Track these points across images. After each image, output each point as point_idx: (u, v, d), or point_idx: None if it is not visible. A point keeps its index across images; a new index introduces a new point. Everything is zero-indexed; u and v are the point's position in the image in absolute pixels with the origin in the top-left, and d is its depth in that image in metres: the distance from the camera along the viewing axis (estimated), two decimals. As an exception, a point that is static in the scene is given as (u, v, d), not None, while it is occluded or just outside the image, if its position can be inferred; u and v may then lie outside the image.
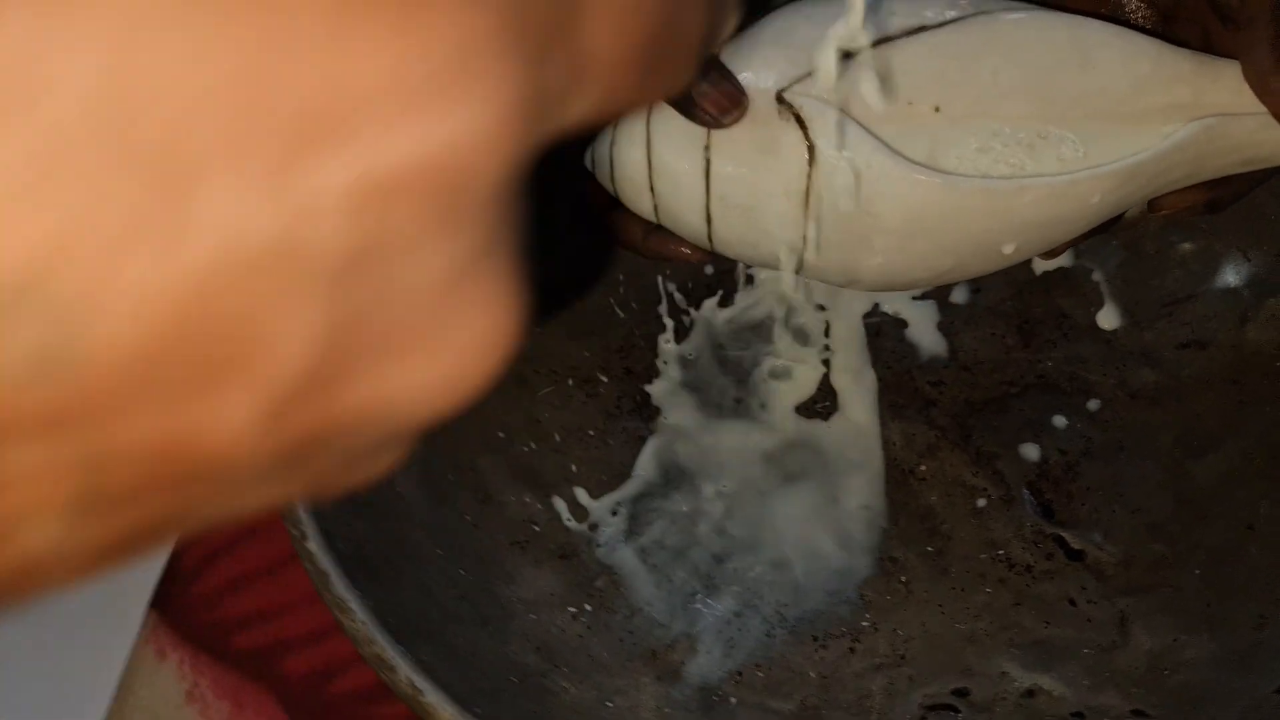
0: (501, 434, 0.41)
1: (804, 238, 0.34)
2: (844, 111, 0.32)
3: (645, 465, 0.41)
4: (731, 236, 0.35)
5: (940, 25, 0.33)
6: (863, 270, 0.34)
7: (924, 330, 0.43)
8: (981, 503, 0.39)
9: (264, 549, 0.42)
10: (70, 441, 0.10)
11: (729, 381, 0.43)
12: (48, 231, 0.09)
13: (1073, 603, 0.37)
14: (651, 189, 0.35)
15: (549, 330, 0.43)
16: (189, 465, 0.11)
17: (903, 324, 0.43)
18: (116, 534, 0.11)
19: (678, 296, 0.45)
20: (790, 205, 0.33)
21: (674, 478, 0.41)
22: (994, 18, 0.33)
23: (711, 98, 0.32)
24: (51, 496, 0.11)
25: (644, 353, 0.44)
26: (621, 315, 0.44)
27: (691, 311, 0.44)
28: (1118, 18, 0.37)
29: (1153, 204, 0.35)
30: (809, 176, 0.32)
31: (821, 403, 0.42)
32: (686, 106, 0.33)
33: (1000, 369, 0.42)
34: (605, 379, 0.43)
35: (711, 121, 0.32)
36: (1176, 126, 0.32)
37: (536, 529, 0.39)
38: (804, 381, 0.42)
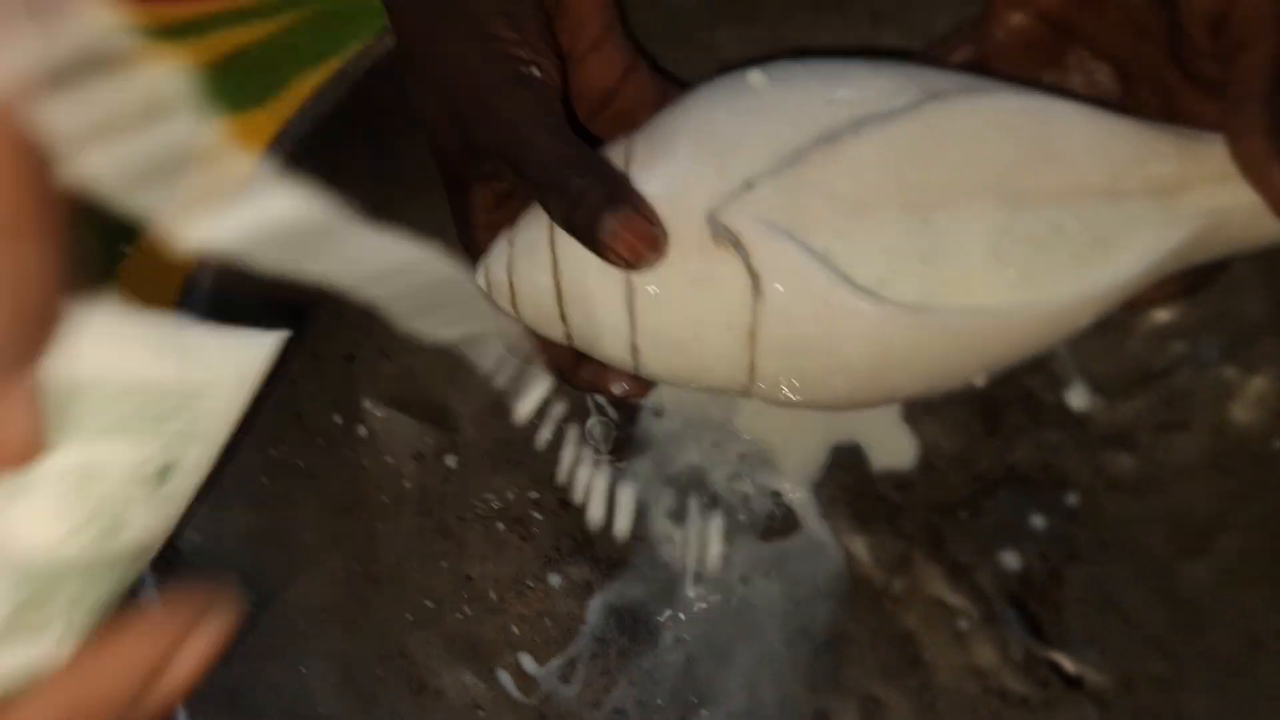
0: (430, 603, 0.36)
1: (750, 373, 0.29)
2: (791, 233, 0.28)
3: (595, 617, 0.37)
4: (663, 371, 0.30)
5: (888, 116, 0.28)
6: (818, 402, 0.30)
7: (886, 426, 0.39)
8: (963, 624, 0.36)
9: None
10: None
11: (683, 501, 0.39)
12: None
13: (1074, 739, 0.34)
14: (563, 318, 0.30)
15: (469, 465, 0.39)
16: None
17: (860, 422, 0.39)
18: None
19: (610, 410, 0.40)
20: (733, 340, 0.28)
21: (628, 626, 0.37)
22: (945, 105, 0.29)
23: (622, 240, 0.27)
24: None
25: (577, 480, 0.39)
26: (549, 438, 0.40)
27: (627, 425, 0.40)
28: (1065, 86, 0.33)
29: (1129, 302, 0.31)
30: (754, 310, 0.28)
31: (778, 519, 0.38)
32: (594, 246, 0.28)
33: (968, 463, 0.39)
34: (539, 516, 0.38)
35: (625, 265, 0.28)
36: (1166, 229, 0.28)
37: (482, 714, 0.35)
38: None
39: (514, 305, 0.31)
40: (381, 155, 0.37)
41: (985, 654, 0.36)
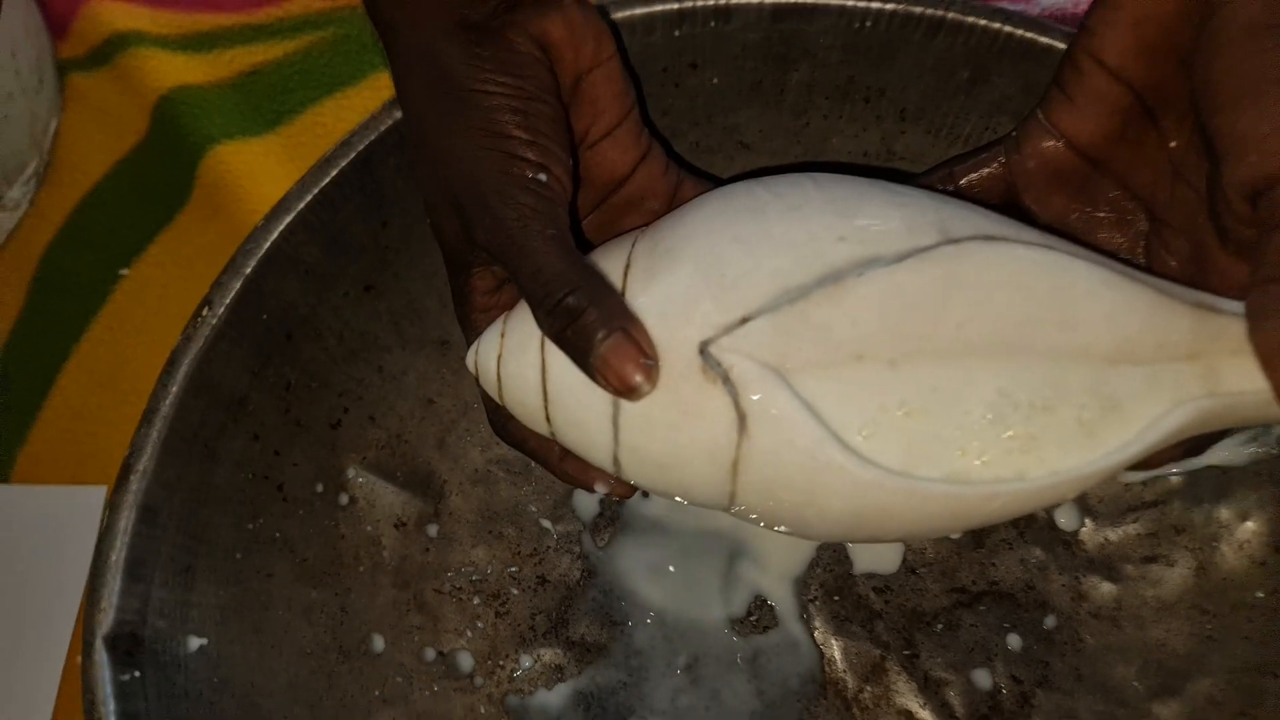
0: (400, 679, 0.36)
1: (730, 500, 0.29)
2: (782, 375, 0.27)
3: (564, 703, 0.37)
4: (644, 483, 0.30)
5: (898, 260, 0.28)
6: (797, 534, 0.30)
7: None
8: (930, 741, 0.36)
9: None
10: None
11: (664, 587, 0.39)
12: None
13: None
14: (548, 418, 0.30)
15: (450, 535, 0.38)
16: None
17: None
18: None
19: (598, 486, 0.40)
20: (714, 470, 0.28)
21: (595, 714, 0.37)
22: (961, 253, 0.28)
23: (613, 367, 0.27)
24: None
25: (558, 556, 0.39)
26: (533, 510, 0.39)
27: (614, 504, 0.39)
28: (1091, 221, 0.32)
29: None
30: (738, 446, 0.27)
31: (757, 614, 0.38)
32: (585, 368, 0.27)
33: (950, 573, 0.38)
34: (516, 592, 0.38)
35: (616, 392, 0.27)
36: (1174, 405, 0.28)
37: (442, 797, 0.35)
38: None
39: (500, 395, 0.31)
40: (382, 225, 0.36)
41: (948, 774, 0.36)
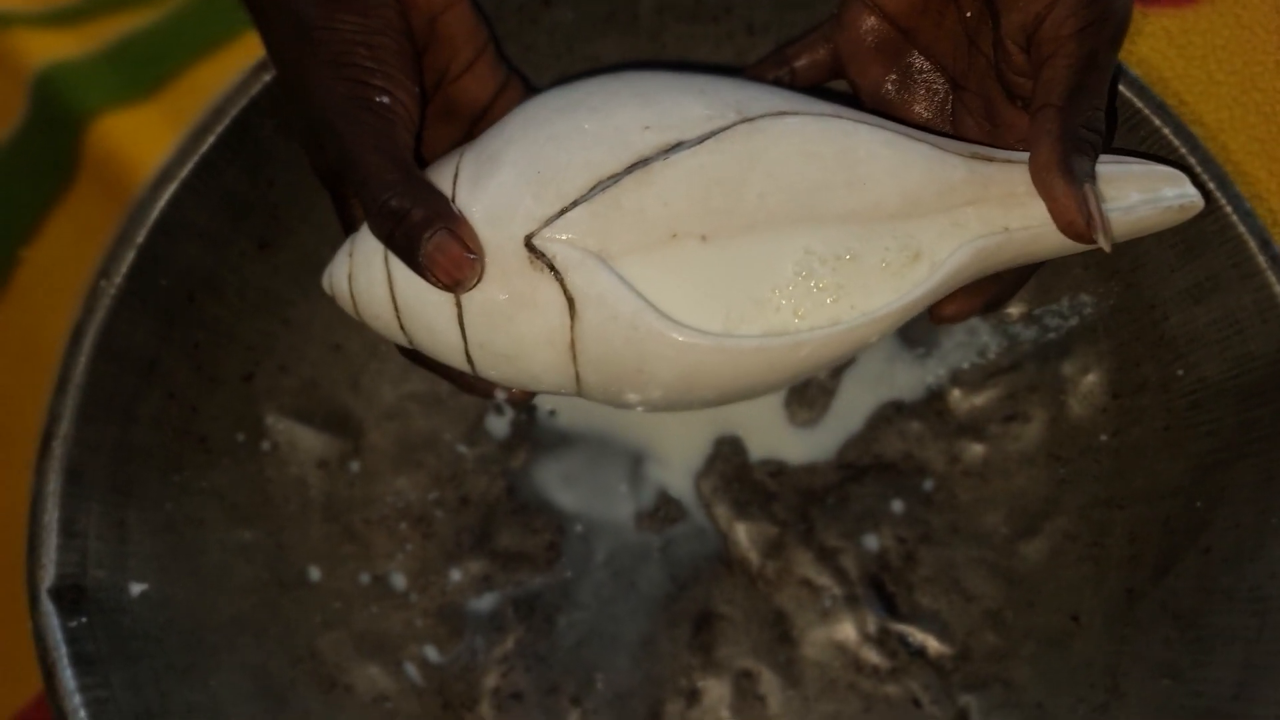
0: (339, 604, 0.39)
1: (577, 383, 0.32)
2: (603, 258, 0.30)
3: (494, 608, 0.40)
4: (500, 378, 0.33)
5: (699, 141, 0.30)
6: (637, 405, 0.33)
7: (765, 418, 0.42)
8: (828, 603, 0.40)
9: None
10: None
11: (577, 494, 0.42)
12: None
13: (917, 703, 0.39)
14: (402, 328, 0.32)
15: (372, 469, 0.41)
16: None
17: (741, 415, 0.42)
18: None
19: (507, 409, 0.42)
20: (555, 354, 0.31)
21: (525, 615, 0.40)
22: (755, 129, 0.30)
23: (438, 262, 0.29)
24: None
25: (476, 478, 0.42)
26: (447, 437, 0.42)
27: (526, 423, 0.42)
28: (905, 91, 0.35)
29: (933, 314, 0.34)
30: (571, 329, 0.30)
31: (665, 508, 0.42)
32: (414, 267, 0.30)
33: (838, 452, 0.42)
34: (440, 514, 0.41)
35: (445, 287, 0.30)
36: (956, 246, 0.31)
37: (389, 706, 0.38)
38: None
39: (356, 312, 0.33)
40: (269, 184, 0.37)
41: (846, 629, 0.40)
